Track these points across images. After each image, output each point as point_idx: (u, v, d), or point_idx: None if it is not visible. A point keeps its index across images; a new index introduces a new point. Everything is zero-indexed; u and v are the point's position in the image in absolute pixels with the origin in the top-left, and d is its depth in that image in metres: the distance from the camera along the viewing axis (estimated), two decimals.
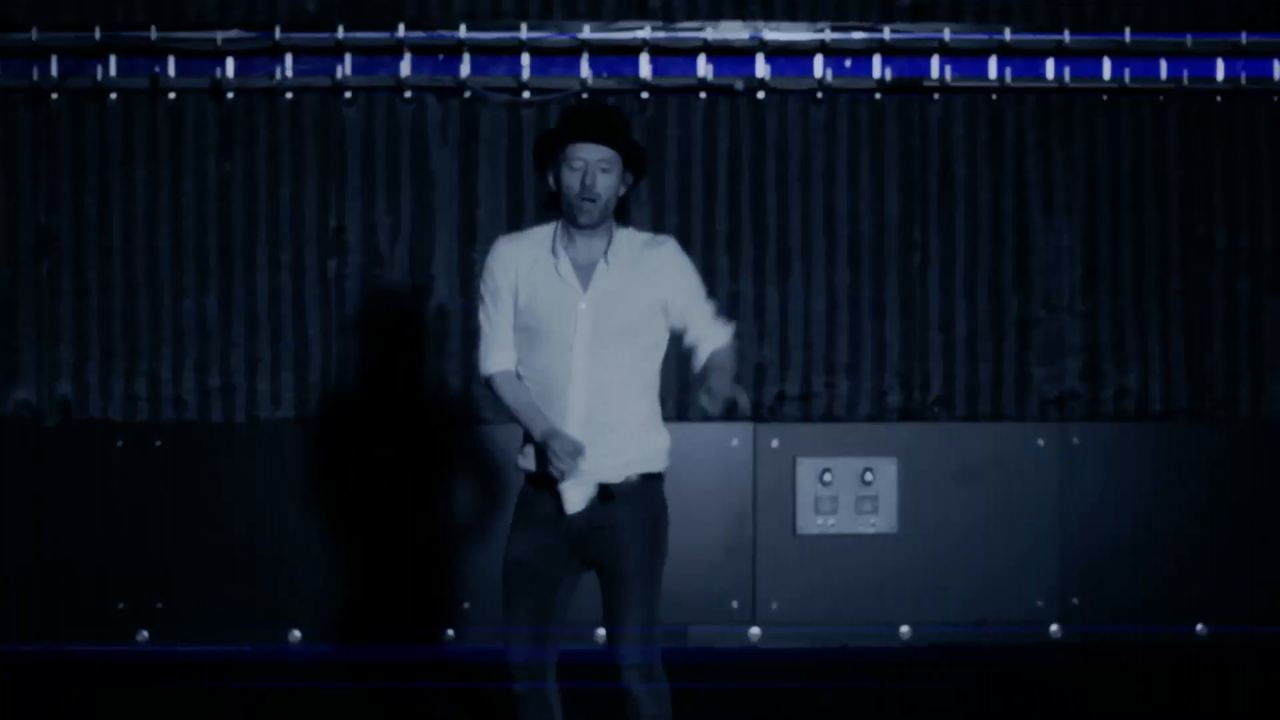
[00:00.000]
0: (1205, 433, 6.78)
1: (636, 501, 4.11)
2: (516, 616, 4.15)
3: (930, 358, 6.89)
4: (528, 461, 4.16)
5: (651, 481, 4.15)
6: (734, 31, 6.74)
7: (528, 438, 4.18)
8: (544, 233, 4.25)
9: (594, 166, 4.12)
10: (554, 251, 4.19)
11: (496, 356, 4.22)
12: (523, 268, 4.20)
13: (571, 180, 4.13)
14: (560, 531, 4.11)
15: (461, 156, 6.82)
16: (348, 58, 6.70)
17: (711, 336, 4.24)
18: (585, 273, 4.18)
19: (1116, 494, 6.67)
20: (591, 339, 4.13)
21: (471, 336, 6.80)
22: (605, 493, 4.09)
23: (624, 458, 4.12)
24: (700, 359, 4.21)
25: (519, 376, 4.19)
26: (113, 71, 6.67)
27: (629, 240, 4.22)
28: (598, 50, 6.72)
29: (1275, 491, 6.70)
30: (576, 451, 4.02)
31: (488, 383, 4.21)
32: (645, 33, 6.70)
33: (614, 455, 4.10)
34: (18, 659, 6.26)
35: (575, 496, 4.09)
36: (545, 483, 4.12)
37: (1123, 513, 6.66)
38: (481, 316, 4.23)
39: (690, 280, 4.25)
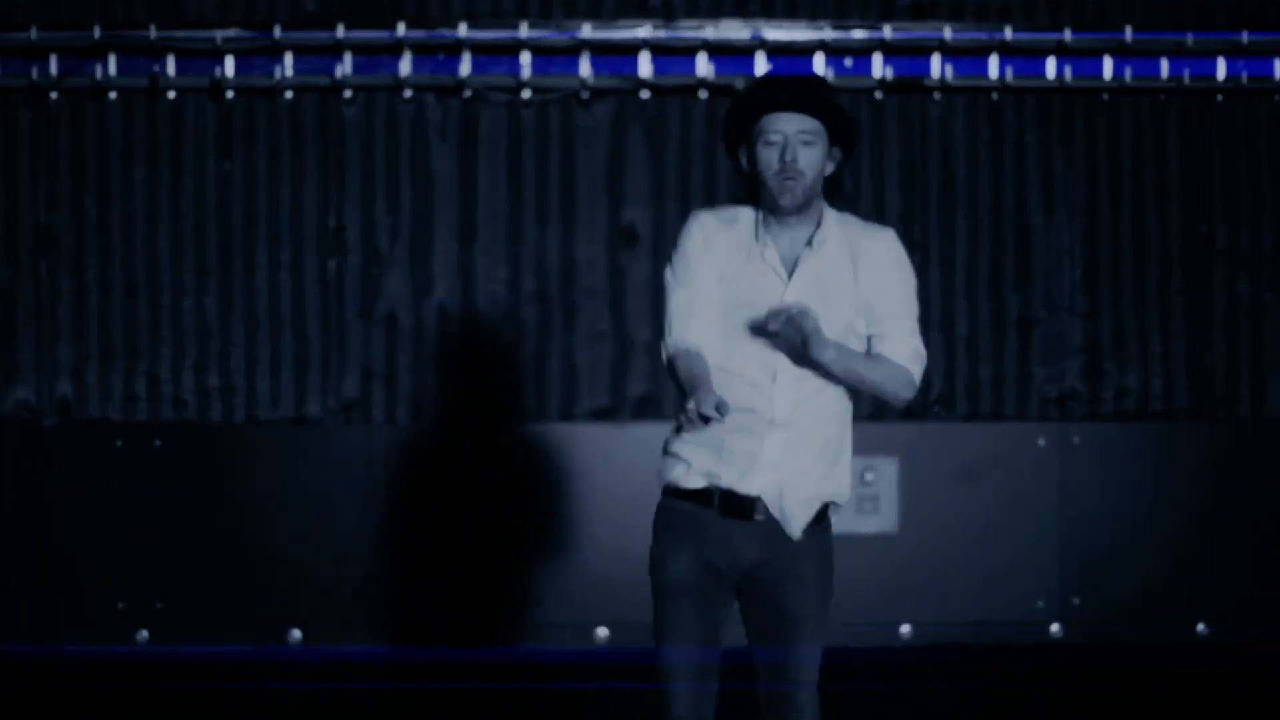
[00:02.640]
0: (1206, 432, 6.78)
1: (821, 537, 3.69)
2: (679, 640, 3.69)
3: (931, 357, 6.88)
4: (692, 474, 3.66)
5: (829, 533, 3.72)
6: (734, 30, 6.73)
7: (696, 446, 3.66)
8: (747, 215, 3.73)
9: (794, 139, 3.60)
10: (758, 237, 3.68)
11: (690, 330, 3.65)
12: (723, 246, 3.69)
13: (769, 157, 3.61)
14: (733, 556, 3.65)
15: (461, 156, 6.81)
16: (347, 57, 6.70)
17: (905, 347, 3.74)
18: (790, 260, 3.68)
19: (1117, 494, 6.66)
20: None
21: (472, 336, 6.80)
22: (816, 517, 3.67)
23: (819, 482, 3.68)
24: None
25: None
26: (112, 71, 6.66)
27: (842, 224, 3.72)
28: (598, 49, 6.71)
29: (1276, 491, 6.69)
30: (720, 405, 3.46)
31: (670, 363, 3.66)
32: (645, 32, 6.69)
33: (809, 478, 3.65)
34: (17, 659, 6.25)
35: (799, 515, 3.64)
36: (717, 498, 3.64)
37: (1123, 513, 6.65)
38: (670, 294, 3.70)
39: (906, 286, 3.74)
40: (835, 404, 3.69)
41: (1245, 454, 6.74)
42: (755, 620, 3.73)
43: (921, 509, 6.60)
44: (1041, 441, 6.66)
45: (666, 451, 3.72)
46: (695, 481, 3.65)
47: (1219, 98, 6.89)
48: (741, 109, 3.68)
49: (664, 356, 3.70)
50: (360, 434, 6.62)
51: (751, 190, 3.71)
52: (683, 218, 6.91)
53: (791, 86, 3.65)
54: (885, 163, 6.89)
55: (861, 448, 6.61)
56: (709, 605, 3.68)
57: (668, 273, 3.72)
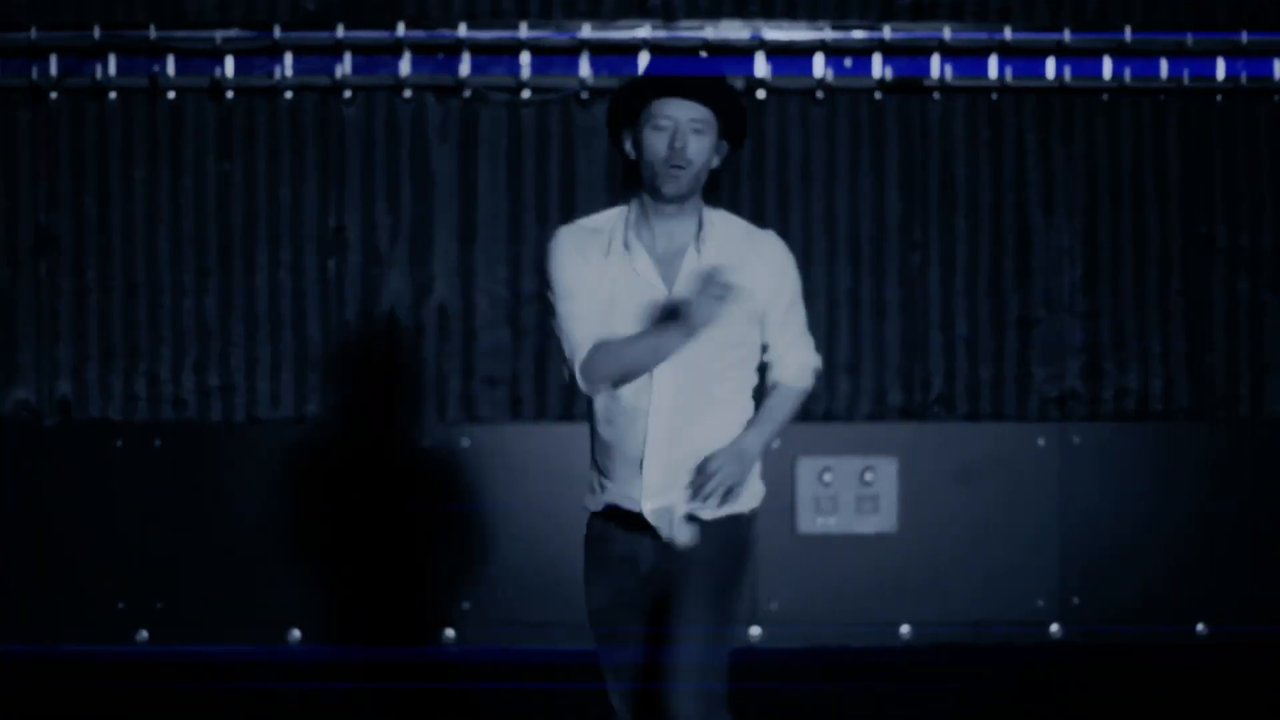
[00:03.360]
0: (1206, 432, 6.78)
1: (722, 539, 3.60)
2: (614, 674, 3.61)
3: (930, 357, 6.89)
4: (599, 498, 3.62)
5: (740, 522, 3.67)
6: (734, 30, 6.73)
7: (599, 471, 3.61)
8: (609, 219, 3.58)
9: (685, 127, 3.45)
10: (626, 243, 3.53)
11: (587, 336, 3.50)
12: (593, 261, 3.52)
13: (656, 143, 3.46)
14: (639, 573, 3.58)
15: (461, 156, 6.81)
16: (347, 57, 6.70)
17: (792, 365, 3.66)
18: (668, 264, 3.53)
19: (1117, 494, 6.66)
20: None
21: (471, 336, 6.80)
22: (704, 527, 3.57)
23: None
24: (770, 385, 3.68)
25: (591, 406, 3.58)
26: (112, 70, 6.66)
27: (725, 225, 3.58)
28: (598, 49, 6.71)
29: (1276, 491, 6.69)
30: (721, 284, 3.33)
31: (583, 374, 3.52)
32: (645, 32, 6.69)
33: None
34: (17, 659, 6.25)
35: (682, 528, 3.57)
36: (621, 519, 3.58)
37: (1123, 512, 6.65)
38: (557, 317, 3.54)
39: (794, 289, 3.61)
40: (723, 422, 3.59)
41: (1245, 454, 6.74)
42: (654, 618, 3.60)
43: (921, 509, 6.60)
44: (1041, 441, 6.66)
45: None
46: (597, 504, 3.65)
47: (1219, 98, 6.89)
48: (632, 91, 3.53)
49: (576, 375, 3.54)
50: (360, 434, 6.61)
51: (630, 178, 3.56)
52: None
53: (686, 73, 3.50)
54: (885, 163, 6.89)
55: (862, 448, 6.64)
56: (633, 619, 3.61)
57: (550, 298, 3.57)
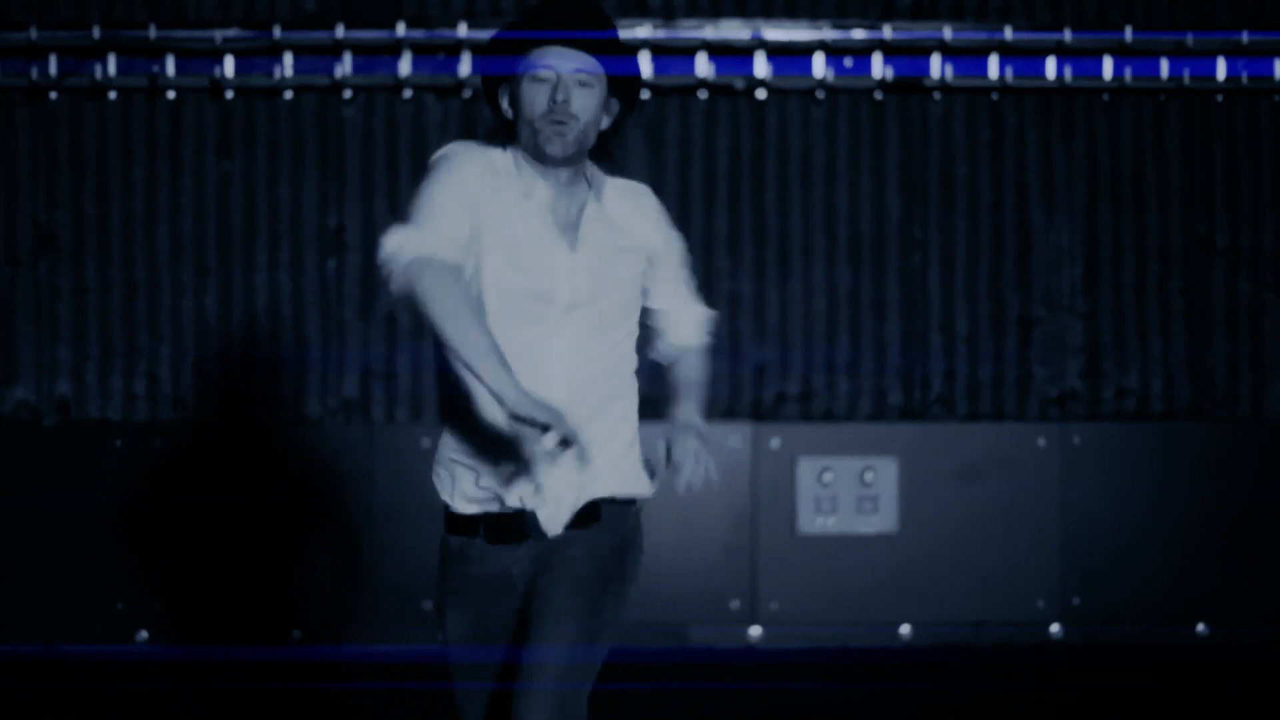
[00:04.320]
0: (1206, 432, 6.78)
1: (607, 527, 3.08)
2: (463, 673, 3.12)
3: (930, 357, 6.89)
4: (461, 492, 3.06)
5: (633, 513, 3.15)
6: (734, 30, 6.73)
7: (466, 463, 3.04)
8: (503, 156, 3.11)
9: (568, 79, 3.02)
10: (513, 169, 3.08)
11: (429, 239, 2.92)
12: (488, 190, 3.04)
13: (535, 96, 3.02)
14: (508, 585, 3.07)
15: None
16: (347, 57, 6.70)
17: (689, 322, 3.29)
18: (564, 221, 3.09)
19: (1117, 494, 6.66)
20: (579, 312, 3.06)
21: None
22: (589, 513, 3.07)
23: (611, 473, 3.09)
24: (669, 354, 3.29)
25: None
26: (111, 70, 6.66)
27: (612, 184, 3.18)
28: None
29: (1276, 491, 6.69)
30: (563, 419, 2.84)
31: (404, 271, 2.89)
32: (645, 32, 6.69)
33: (600, 469, 3.05)
34: (17, 659, 6.25)
35: (555, 514, 3.06)
36: (491, 525, 3.06)
37: (1123, 513, 6.65)
38: (422, 199, 2.98)
39: (677, 240, 3.26)
40: (616, 394, 3.15)
41: (1245, 454, 6.74)
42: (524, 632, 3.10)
43: (921, 509, 6.60)
44: (1041, 441, 6.66)
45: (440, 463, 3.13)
46: (468, 507, 3.10)
47: (1219, 98, 6.89)
48: (507, 40, 3.07)
49: (392, 256, 2.91)
50: (360, 434, 6.62)
51: (507, 137, 3.12)
52: (683, 217, 6.94)
53: (569, 14, 3.06)
54: (885, 163, 6.89)
55: (862, 448, 6.64)
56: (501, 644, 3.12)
57: (423, 185, 3.03)
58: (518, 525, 3.07)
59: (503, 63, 3.09)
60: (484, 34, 6.67)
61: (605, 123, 3.14)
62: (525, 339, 3.02)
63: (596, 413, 3.06)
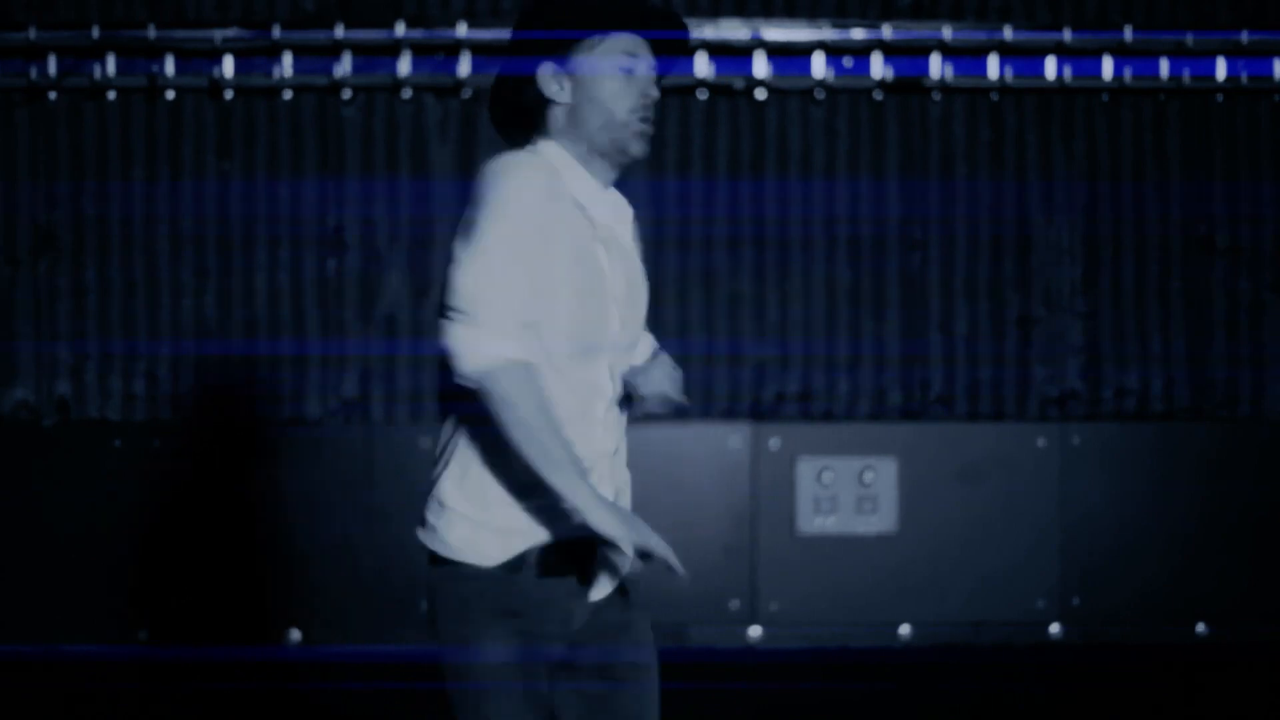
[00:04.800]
0: (1206, 432, 6.77)
1: (639, 590, 2.86)
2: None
3: (930, 357, 6.89)
4: (507, 539, 2.73)
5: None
6: (734, 30, 6.73)
7: (503, 499, 2.73)
8: (559, 164, 2.80)
9: (650, 78, 2.77)
10: (567, 195, 2.77)
11: (511, 336, 2.60)
12: (555, 227, 2.70)
13: (625, 94, 2.73)
14: (564, 631, 2.76)
15: (461, 156, 6.81)
16: (346, 57, 6.70)
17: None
18: (606, 239, 2.84)
19: (1117, 494, 6.66)
20: (621, 341, 2.82)
21: None
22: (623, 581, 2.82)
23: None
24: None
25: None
26: (110, 70, 6.66)
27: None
28: None
29: (1276, 491, 6.69)
30: (646, 532, 2.62)
31: (476, 378, 2.62)
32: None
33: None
34: (17, 659, 6.25)
35: (605, 578, 2.81)
36: (553, 560, 2.74)
37: (1123, 513, 6.65)
38: (473, 265, 2.65)
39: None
40: (622, 426, 2.92)
41: (1245, 454, 6.74)
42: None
43: (921, 509, 6.60)
44: (1041, 441, 6.66)
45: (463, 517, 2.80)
46: (503, 550, 2.77)
47: (1219, 98, 6.89)
48: (581, 9, 2.71)
49: (470, 367, 2.60)
50: (360, 434, 6.61)
51: (525, 127, 2.80)
52: (684, 216, 6.94)
53: (645, 7, 2.73)
54: (885, 163, 6.89)
55: (861, 448, 6.64)
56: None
57: (477, 235, 2.69)
58: (581, 554, 2.75)
59: (558, 52, 2.76)
60: (484, 34, 6.67)
61: None
62: (581, 377, 2.74)
63: (618, 448, 2.84)
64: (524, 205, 2.66)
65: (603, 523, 2.59)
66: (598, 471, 2.77)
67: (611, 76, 2.74)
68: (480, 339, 2.60)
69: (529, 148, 2.81)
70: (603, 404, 2.79)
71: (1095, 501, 6.65)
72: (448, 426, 2.81)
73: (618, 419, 2.84)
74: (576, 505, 2.59)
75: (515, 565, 2.72)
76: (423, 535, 2.83)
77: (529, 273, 2.64)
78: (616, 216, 2.87)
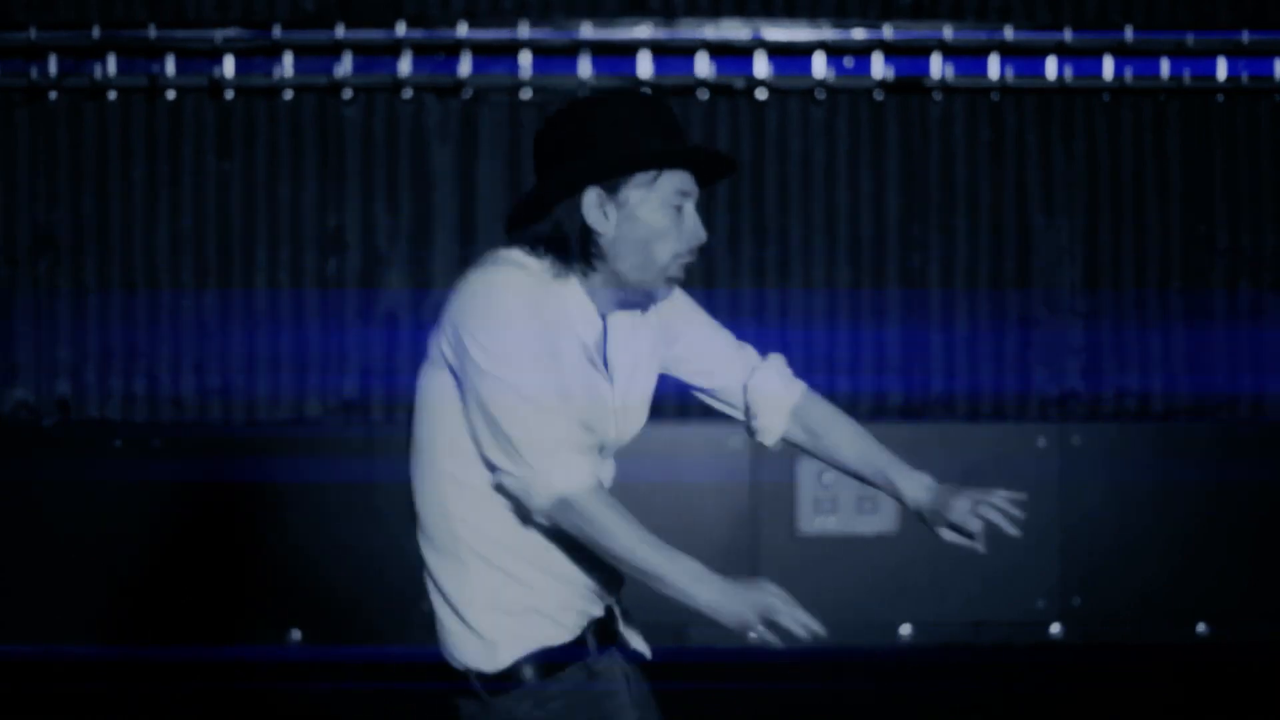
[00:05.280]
0: (1206, 433, 6.77)
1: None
2: None
3: (930, 357, 6.89)
4: (550, 616, 2.66)
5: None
6: (734, 30, 6.73)
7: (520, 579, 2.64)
8: (565, 279, 2.65)
9: (692, 205, 2.67)
10: (596, 311, 2.69)
11: (571, 465, 2.55)
12: (546, 322, 2.60)
13: (666, 224, 2.62)
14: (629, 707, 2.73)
15: (461, 156, 6.81)
16: (347, 56, 6.70)
17: (770, 370, 3.07)
18: (594, 349, 2.72)
19: (1117, 494, 6.66)
20: (613, 454, 2.81)
21: None
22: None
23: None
24: (772, 404, 3.09)
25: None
26: (111, 70, 6.66)
27: None
28: (598, 49, 6.71)
29: (1276, 491, 6.69)
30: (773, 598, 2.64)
31: (550, 515, 2.57)
32: (645, 32, 6.69)
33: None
34: (17, 659, 6.25)
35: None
36: (589, 633, 2.70)
37: (1123, 513, 6.65)
38: (518, 402, 2.54)
39: (694, 303, 2.92)
40: None
41: (1245, 454, 6.73)
42: None
43: None
44: (1041, 441, 6.66)
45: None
46: (563, 620, 2.70)
47: (1219, 97, 6.89)
48: (630, 141, 2.57)
49: (546, 500, 2.55)
50: (360, 434, 6.61)
51: (571, 251, 2.61)
52: None
53: (697, 141, 2.83)
54: (885, 163, 6.89)
55: None
56: None
57: (505, 372, 2.54)
58: (611, 625, 2.77)
59: (614, 163, 2.58)
60: (484, 34, 6.67)
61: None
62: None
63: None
64: (525, 323, 2.56)
65: (720, 605, 2.56)
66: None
67: (663, 215, 2.63)
68: (544, 482, 2.55)
69: (518, 255, 2.64)
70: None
71: (1095, 501, 6.65)
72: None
73: None
74: (693, 593, 2.55)
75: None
76: None
77: (554, 382, 2.58)
78: (623, 330, 2.75)
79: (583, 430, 2.60)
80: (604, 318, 2.69)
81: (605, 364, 2.68)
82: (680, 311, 2.85)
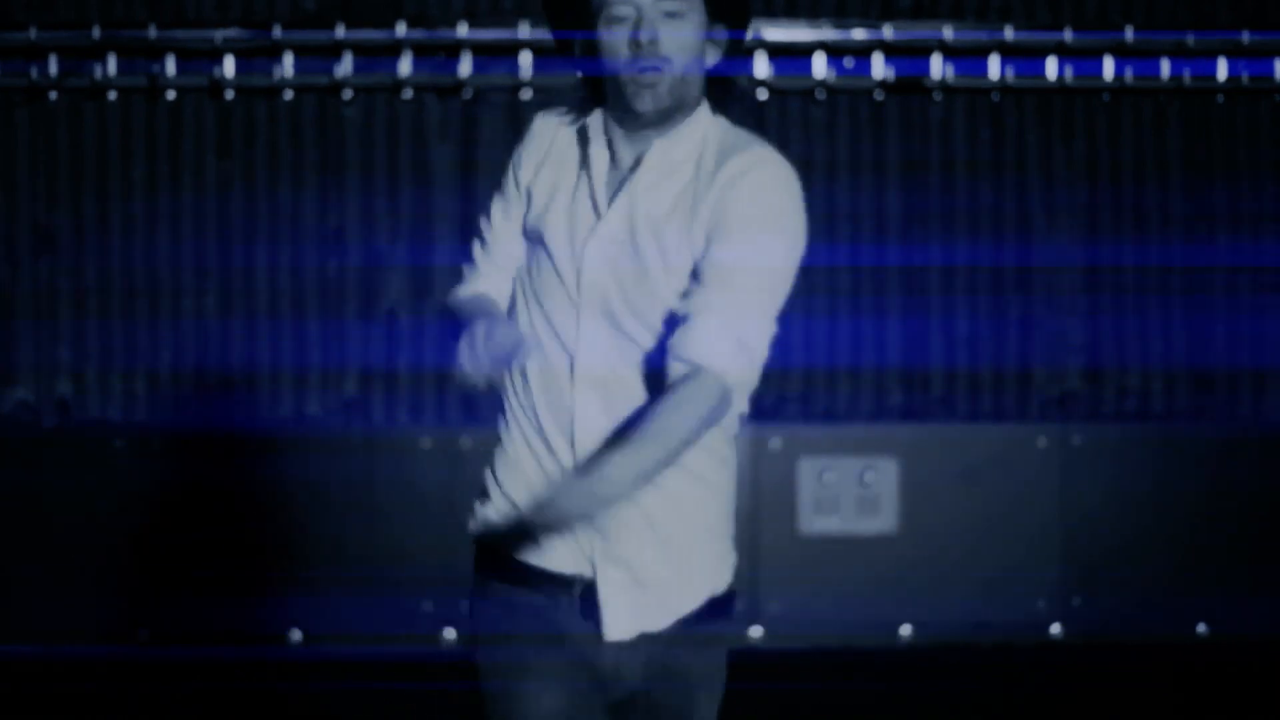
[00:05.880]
0: (1207, 433, 6.77)
1: (711, 647, 2.60)
2: None
3: (930, 358, 6.88)
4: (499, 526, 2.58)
5: (724, 609, 2.65)
6: None
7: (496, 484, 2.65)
8: (590, 115, 2.59)
9: (651, 11, 2.42)
10: (586, 134, 2.55)
11: (474, 279, 2.78)
12: (541, 155, 2.59)
13: (614, 41, 2.45)
14: (590, 669, 2.53)
15: (461, 156, 6.81)
16: (347, 57, 6.69)
17: (697, 353, 2.45)
18: (618, 184, 2.52)
19: (1117, 494, 6.66)
20: (611, 301, 2.48)
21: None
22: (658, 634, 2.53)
23: (687, 562, 2.54)
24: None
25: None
26: (111, 70, 6.65)
27: (716, 136, 2.54)
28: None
29: (1276, 492, 6.69)
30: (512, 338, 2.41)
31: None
32: None
33: (664, 555, 2.51)
34: (17, 659, 6.25)
35: (623, 619, 2.52)
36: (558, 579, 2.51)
37: (1124, 513, 6.65)
38: (480, 224, 2.75)
39: (764, 242, 2.49)
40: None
41: (1245, 454, 6.73)
42: None
43: (921, 510, 6.60)
44: (1042, 442, 6.66)
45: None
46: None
47: (1220, 98, 6.88)
48: None
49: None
50: (360, 434, 6.61)
51: (596, 97, 2.57)
52: None
53: None
54: (885, 163, 6.89)
55: (862, 448, 6.63)
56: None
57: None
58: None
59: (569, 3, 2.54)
60: (484, 34, 6.67)
61: (712, 57, 2.54)
62: (543, 337, 2.57)
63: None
64: (508, 171, 2.71)
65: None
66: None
67: (602, 26, 2.50)
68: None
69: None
70: (570, 392, 2.66)
71: (1096, 502, 6.64)
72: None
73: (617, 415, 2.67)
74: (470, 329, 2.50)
75: None
76: None
77: (489, 232, 2.84)
78: (650, 174, 2.61)
79: (527, 271, 2.61)
80: (633, 157, 2.53)
81: (597, 199, 2.52)
82: (729, 224, 2.48)
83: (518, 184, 2.61)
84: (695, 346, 2.48)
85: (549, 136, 2.60)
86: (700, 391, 2.51)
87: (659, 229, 2.48)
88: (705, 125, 2.56)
